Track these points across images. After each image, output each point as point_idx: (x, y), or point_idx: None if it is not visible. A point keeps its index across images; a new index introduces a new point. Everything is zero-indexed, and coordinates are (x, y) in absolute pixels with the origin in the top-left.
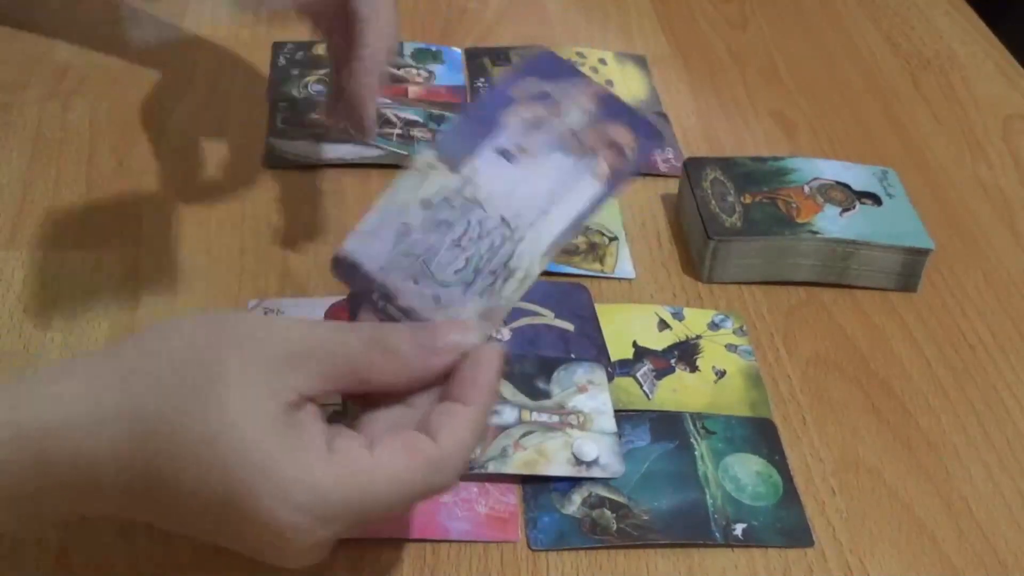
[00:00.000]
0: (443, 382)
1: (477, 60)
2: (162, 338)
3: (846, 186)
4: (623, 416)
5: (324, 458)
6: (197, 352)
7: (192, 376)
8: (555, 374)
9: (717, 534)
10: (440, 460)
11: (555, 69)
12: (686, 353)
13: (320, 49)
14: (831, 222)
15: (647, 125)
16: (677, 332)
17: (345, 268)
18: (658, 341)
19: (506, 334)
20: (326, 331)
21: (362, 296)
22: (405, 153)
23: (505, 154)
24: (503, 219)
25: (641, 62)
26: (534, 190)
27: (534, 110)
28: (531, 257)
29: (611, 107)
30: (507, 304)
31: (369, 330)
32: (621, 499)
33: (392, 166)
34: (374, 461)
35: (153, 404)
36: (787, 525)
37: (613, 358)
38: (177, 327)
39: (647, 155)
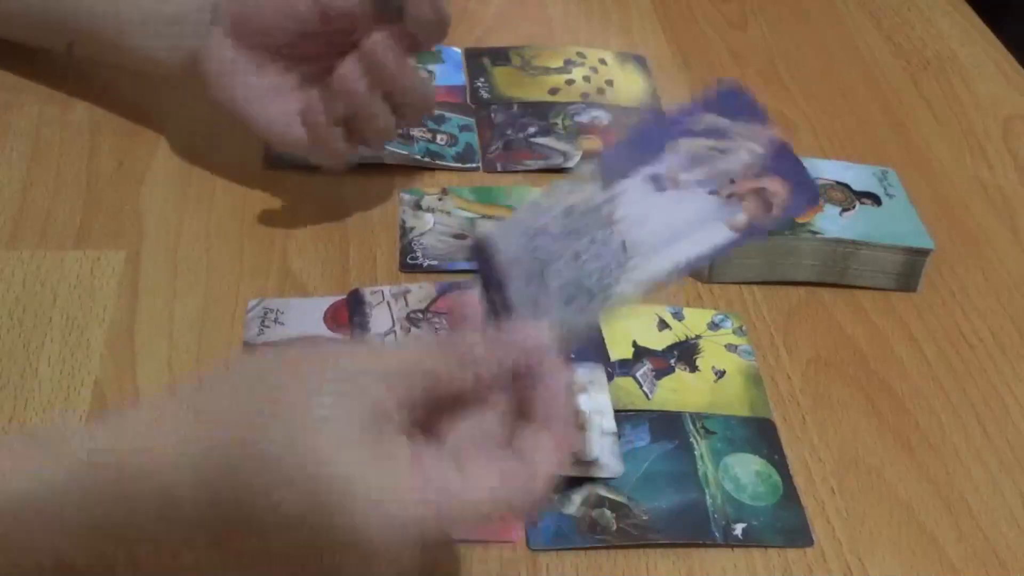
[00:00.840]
0: (512, 391)
1: (477, 60)
2: (234, 369)
3: (846, 186)
4: (623, 416)
5: (412, 472)
6: (275, 374)
7: (273, 394)
8: None
9: (717, 534)
10: (530, 482)
11: (738, 105)
12: (686, 353)
13: None
14: (831, 222)
15: (810, 185)
16: (677, 332)
17: (481, 250)
18: (658, 341)
19: None
20: (402, 347)
21: (485, 281)
22: (405, 152)
23: (657, 181)
24: (624, 244)
25: (641, 62)
26: (665, 223)
27: (702, 144)
28: (626, 289)
29: (781, 158)
30: (586, 323)
31: (445, 341)
32: (621, 499)
33: (391, 166)
34: (465, 482)
35: (235, 423)
36: (787, 525)
37: (613, 358)
38: (246, 358)
39: (797, 213)
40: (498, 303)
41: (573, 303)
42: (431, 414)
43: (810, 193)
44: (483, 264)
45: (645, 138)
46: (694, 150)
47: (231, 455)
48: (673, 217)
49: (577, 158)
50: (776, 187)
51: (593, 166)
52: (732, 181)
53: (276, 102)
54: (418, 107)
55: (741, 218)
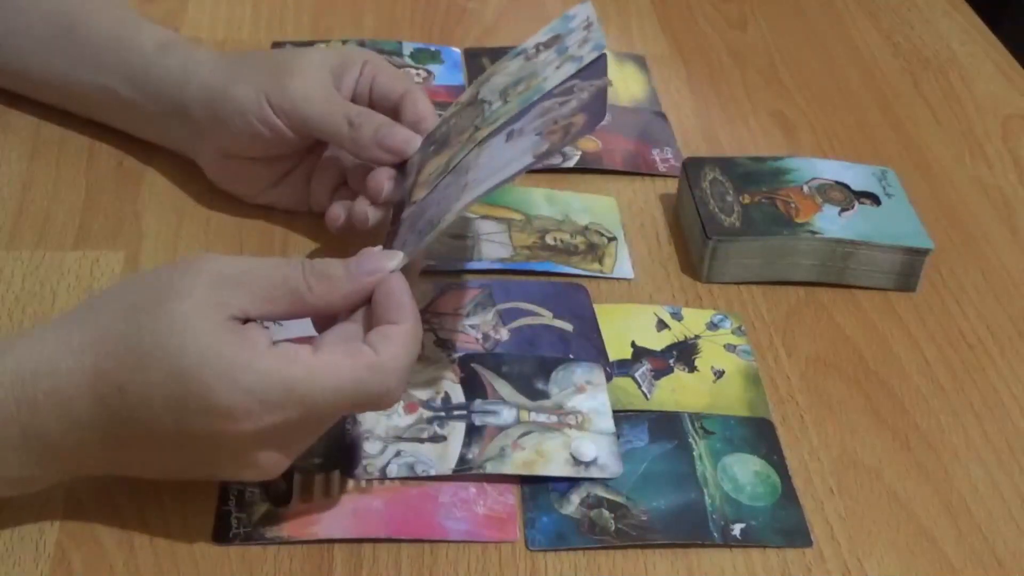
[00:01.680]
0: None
1: (476, 60)
2: (118, 284)
3: (845, 186)
4: (621, 416)
5: (268, 350)
6: (149, 283)
7: (145, 299)
8: (554, 374)
9: (716, 534)
10: (378, 365)
11: (594, 65)
12: (685, 353)
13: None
14: (830, 222)
15: (600, 110)
16: (676, 332)
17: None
18: (657, 341)
19: (505, 334)
20: (266, 261)
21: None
22: None
23: (510, 134)
24: (466, 184)
25: (641, 62)
26: (495, 161)
27: (554, 101)
28: (451, 214)
29: (595, 100)
30: (419, 244)
31: (307, 261)
32: (619, 499)
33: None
34: (315, 357)
35: (114, 328)
36: (785, 525)
37: (612, 358)
38: (128, 276)
39: (584, 134)
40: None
41: (414, 231)
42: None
43: (599, 115)
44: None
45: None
46: (546, 107)
47: (114, 358)
48: (502, 156)
49: (576, 157)
50: (579, 120)
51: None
52: (555, 122)
53: (281, 185)
54: None
55: (543, 146)
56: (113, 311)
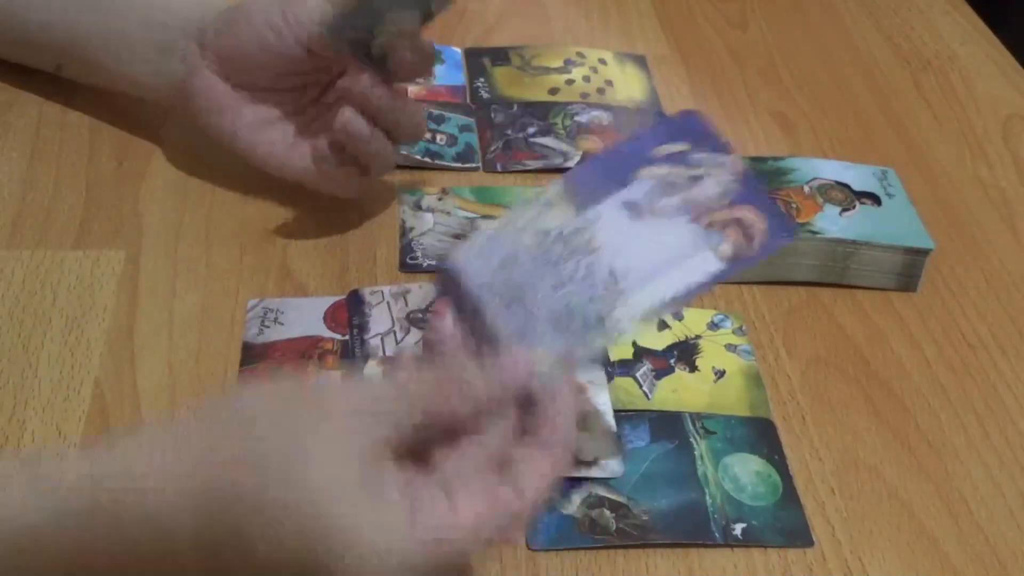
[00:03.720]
0: (511, 417)
1: (477, 60)
2: (231, 405)
3: (846, 186)
4: (622, 416)
5: (408, 522)
6: (272, 417)
7: (270, 440)
8: None
9: (717, 534)
10: (521, 510)
11: (701, 134)
12: (685, 353)
13: None
14: (831, 222)
15: (781, 217)
16: (676, 332)
17: (448, 279)
18: (658, 341)
19: None
20: (397, 384)
21: (457, 307)
22: (404, 152)
23: (633, 208)
24: (612, 271)
25: (641, 62)
26: (650, 251)
27: (671, 172)
28: (628, 318)
29: (750, 188)
30: (587, 354)
31: (438, 375)
32: (620, 499)
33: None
34: (457, 519)
35: (232, 465)
36: (787, 525)
37: (612, 358)
38: (248, 395)
39: (774, 245)
40: (476, 330)
41: (566, 331)
42: (424, 441)
43: (785, 227)
44: (452, 291)
45: (612, 163)
46: (664, 177)
47: (227, 497)
48: (657, 245)
49: (577, 158)
50: (752, 218)
51: (559, 188)
52: (707, 212)
53: (267, 133)
54: (413, 135)
55: (726, 248)
56: (232, 445)
